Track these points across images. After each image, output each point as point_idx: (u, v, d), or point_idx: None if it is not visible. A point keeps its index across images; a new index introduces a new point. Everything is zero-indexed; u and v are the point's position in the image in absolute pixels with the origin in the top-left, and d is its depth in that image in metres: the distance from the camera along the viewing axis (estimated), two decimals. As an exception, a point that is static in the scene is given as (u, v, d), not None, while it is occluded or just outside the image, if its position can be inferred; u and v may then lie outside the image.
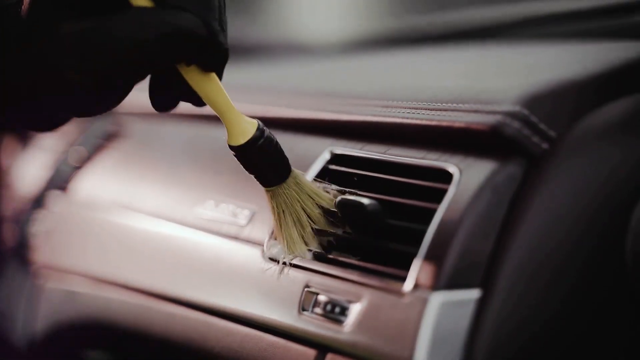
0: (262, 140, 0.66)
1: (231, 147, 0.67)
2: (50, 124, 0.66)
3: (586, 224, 0.65)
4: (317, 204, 0.69)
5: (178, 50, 0.61)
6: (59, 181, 1.12)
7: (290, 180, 0.68)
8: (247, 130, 0.66)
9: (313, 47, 1.45)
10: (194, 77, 0.63)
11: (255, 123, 0.67)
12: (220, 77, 0.64)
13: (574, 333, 0.63)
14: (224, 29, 0.62)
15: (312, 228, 0.69)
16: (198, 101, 0.65)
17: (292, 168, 0.69)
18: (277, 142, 0.68)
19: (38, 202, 1.15)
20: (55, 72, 0.60)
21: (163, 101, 0.65)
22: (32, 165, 1.22)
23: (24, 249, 1.14)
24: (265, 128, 0.67)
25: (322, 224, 0.70)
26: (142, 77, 0.63)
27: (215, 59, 0.62)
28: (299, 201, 0.69)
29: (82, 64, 0.60)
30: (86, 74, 0.60)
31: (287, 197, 0.68)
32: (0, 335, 1.17)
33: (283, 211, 0.69)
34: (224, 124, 0.66)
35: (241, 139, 0.66)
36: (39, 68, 0.61)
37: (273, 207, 0.69)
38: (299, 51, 1.43)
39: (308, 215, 0.69)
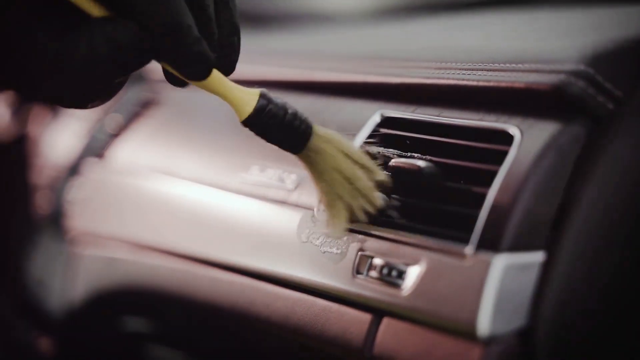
0: (268, 107, 0.66)
1: (242, 123, 0.66)
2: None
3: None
4: (357, 163, 0.68)
5: (126, 64, 0.61)
6: (95, 149, 1.11)
7: (317, 141, 0.67)
8: (250, 101, 0.66)
9: (339, 16, 1.43)
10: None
11: (257, 92, 0.66)
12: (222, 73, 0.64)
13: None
14: (210, 37, 0.62)
15: (359, 192, 0.68)
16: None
17: (317, 128, 0.67)
18: (287, 106, 0.67)
19: (74, 169, 1.14)
20: (29, 81, 0.62)
21: (172, 79, 0.65)
22: (67, 133, 1.21)
23: (59, 216, 1.13)
24: (269, 95, 0.66)
25: (365, 183, 0.68)
26: (114, 80, 0.63)
27: (187, 67, 0.62)
28: (335, 163, 0.67)
29: (49, 80, 0.61)
30: (52, 87, 0.61)
31: (321, 160, 0.67)
32: (36, 304, 1.16)
33: (321, 175, 0.68)
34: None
35: (246, 112, 0.66)
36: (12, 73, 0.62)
37: (310, 173, 0.68)
38: (326, 21, 1.41)
39: (348, 176, 0.67)
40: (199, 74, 0.63)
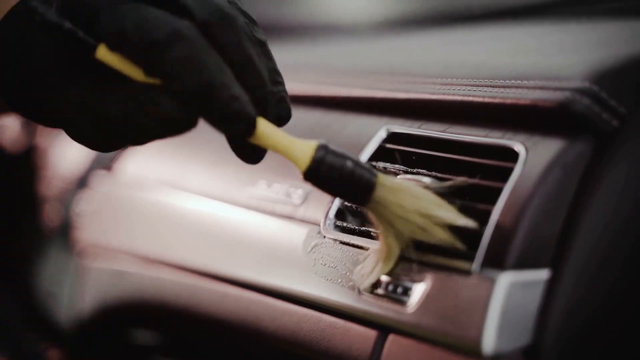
0: (327, 158, 0.62)
1: (303, 176, 0.63)
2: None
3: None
4: (420, 214, 0.63)
5: (161, 130, 0.60)
6: (104, 161, 1.12)
7: (382, 192, 0.63)
8: (307, 152, 0.62)
9: (349, 28, 1.44)
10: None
11: (314, 144, 0.63)
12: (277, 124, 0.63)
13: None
14: (253, 91, 0.60)
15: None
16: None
17: (382, 177, 0.63)
18: (348, 155, 0.63)
19: (82, 181, 1.15)
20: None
21: (241, 152, 0.64)
22: (74, 145, 1.21)
23: (68, 228, 1.14)
24: (329, 146, 0.63)
25: (438, 234, 0.63)
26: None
27: (228, 127, 0.60)
28: (403, 213, 0.63)
29: (70, 125, 0.61)
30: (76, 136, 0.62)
31: (387, 211, 0.63)
32: (46, 315, 1.17)
33: (390, 226, 0.64)
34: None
35: (305, 163, 0.63)
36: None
37: (379, 224, 0.65)
38: (336, 32, 1.42)
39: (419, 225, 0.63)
40: (241, 132, 0.60)
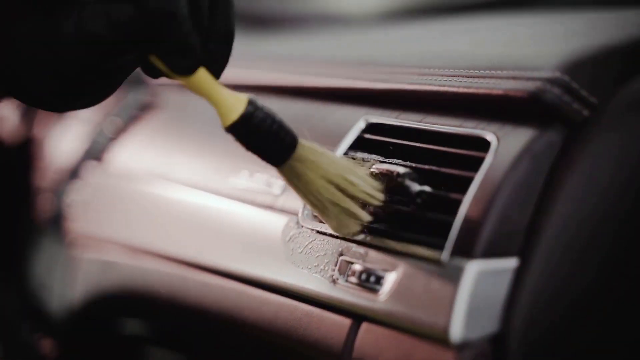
0: (255, 115, 0.63)
1: (225, 129, 0.64)
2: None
3: (626, 194, 0.63)
4: (341, 176, 0.66)
5: (115, 46, 0.59)
6: (95, 152, 1.12)
7: (302, 152, 0.65)
8: (237, 107, 0.63)
9: (345, 18, 1.44)
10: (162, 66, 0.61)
11: (245, 98, 0.64)
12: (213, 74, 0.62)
13: (611, 302, 0.62)
14: (202, 36, 0.60)
15: (351, 198, 0.66)
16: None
17: (301, 140, 0.65)
18: (274, 115, 0.64)
19: (74, 172, 1.15)
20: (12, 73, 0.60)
21: (150, 70, 0.63)
22: (68, 136, 1.22)
23: (60, 219, 1.15)
24: (258, 102, 0.64)
25: (356, 190, 0.66)
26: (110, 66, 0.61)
27: (176, 58, 0.60)
28: (323, 172, 0.65)
29: (34, 66, 0.59)
30: (35, 77, 0.59)
31: (307, 170, 0.65)
32: (39, 306, 1.18)
33: (308, 186, 0.66)
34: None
35: (232, 117, 0.63)
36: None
37: (293, 186, 0.66)
38: (332, 22, 1.42)
39: (338, 183, 0.66)
40: (185, 67, 0.61)
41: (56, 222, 1.16)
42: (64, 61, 0.59)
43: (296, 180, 0.66)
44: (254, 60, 0.99)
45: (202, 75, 0.62)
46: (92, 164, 1.11)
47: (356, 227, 0.67)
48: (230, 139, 0.92)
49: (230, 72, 0.66)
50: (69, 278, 1.09)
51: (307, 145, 0.66)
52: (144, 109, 1.11)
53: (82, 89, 0.61)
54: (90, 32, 0.58)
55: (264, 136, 0.64)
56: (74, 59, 0.59)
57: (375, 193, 0.67)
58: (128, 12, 0.58)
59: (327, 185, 0.66)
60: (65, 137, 1.24)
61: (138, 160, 1.03)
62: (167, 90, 1.09)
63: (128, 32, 0.59)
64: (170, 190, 0.94)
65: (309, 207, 0.69)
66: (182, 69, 0.61)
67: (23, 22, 0.59)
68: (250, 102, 0.64)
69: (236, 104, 0.64)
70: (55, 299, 1.14)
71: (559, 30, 0.84)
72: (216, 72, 0.64)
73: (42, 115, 1.31)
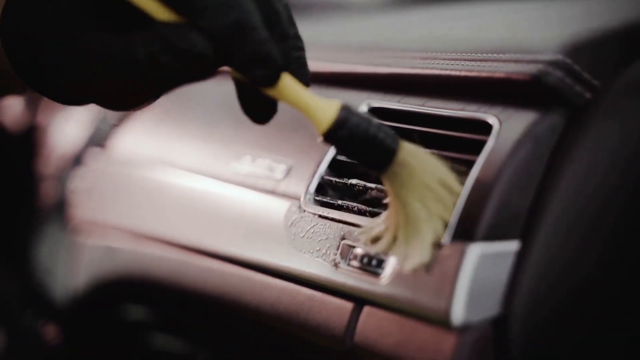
0: (350, 119, 0.60)
1: (321, 137, 0.60)
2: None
3: (627, 178, 0.63)
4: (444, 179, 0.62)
5: (190, 73, 0.57)
6: (98, 138, 1.13)
7: (404, 156, 0.61)
8: (329, 112, 0.60)
9: (348, 4, 1.44)
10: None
11: (337, 103, 0.60)
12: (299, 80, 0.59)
13: (612, 285, 0.62)
14: (279, 43, 0.58)
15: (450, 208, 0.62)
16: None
17: (403, 143, 0.61)
18: (371, 118, 0.61)
19: (77, 159, 1.16)
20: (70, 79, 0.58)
21: (250, 108, 0.61)
22: (72, 123, 1.23)
23: (63, 205, 1.15)
24: (350, 107, 0.60)
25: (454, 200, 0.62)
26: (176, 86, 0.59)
27: (255, 70, 0.57)
28: (426, 179, 0.61)
29: (90, 77, 0.57)
30: (95, 86, 0.58)
31: (409, 176, 0.61)
32: (42, 292, 1.18)
33: (410, 194, 0.61)
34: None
35: (325, 124, 0.60)
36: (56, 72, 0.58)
37: (394, 193, 0.62)
38: (334, 8, 1.42)
39: (440, 194, 0.62)
40: (266, 78, 0.57)
41: (60, 208, 1.16)
42: (131, 80, 0.57)
43: (399, 188, 0.62)
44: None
45: (288, 83, 0.59)
46: (95, 150, 1.11)
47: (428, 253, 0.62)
48: (235, 124, 0.93)
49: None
50: (73, 264, 1.10)
51: (411, 150, 0.62)
52: (147, 95, 1.11)
53: (136, 99, 0.60)
54: (161, 64, 0.56)
55: (361, 141, 0.60)
56: (143, 82, 0.57)
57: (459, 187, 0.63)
58: (195, 38, 0.56)
59: (428, 194, 0.62)
60: (68, 124, 1.24)
61: (141, 147, 1.03)
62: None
63: (198, 59, 0.56)
64: (173, 176, 0.94)
65: (401, 221, 0.62)
66: (264, 79, 0.58)
67: (96, 34, 0.57)
68: (343, 107, 0.61)
69: (328, 110, 0.60)
70: (59, 285, 1.14)
71: (559, 15, 0.83)
72: (303, 78, 0.60)
73: (45, 102, 1.31)
